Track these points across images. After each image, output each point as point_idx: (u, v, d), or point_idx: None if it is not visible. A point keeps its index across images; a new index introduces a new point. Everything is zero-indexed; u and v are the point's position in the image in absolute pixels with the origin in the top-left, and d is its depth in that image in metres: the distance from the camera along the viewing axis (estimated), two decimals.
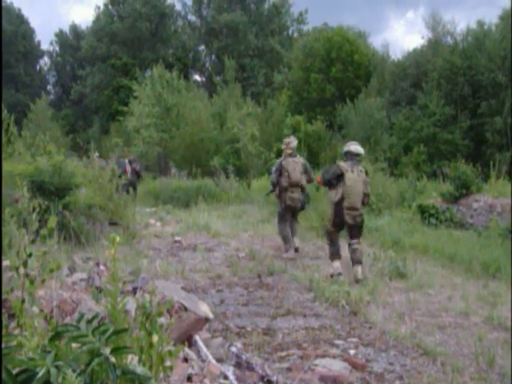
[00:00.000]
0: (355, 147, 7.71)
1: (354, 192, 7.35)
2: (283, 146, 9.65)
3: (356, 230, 7.60)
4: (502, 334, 5.33)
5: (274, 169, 9.56)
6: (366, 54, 33.91)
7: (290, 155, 9.39)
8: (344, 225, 7.60)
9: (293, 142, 9.52)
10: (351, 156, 7.65)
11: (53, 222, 2.65)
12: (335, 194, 7.51)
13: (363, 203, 7.57)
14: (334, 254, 7.70)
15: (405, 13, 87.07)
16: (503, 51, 24.84)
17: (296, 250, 9.25)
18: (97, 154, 13.43)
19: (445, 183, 14.81)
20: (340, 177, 7.45)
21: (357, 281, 7.21)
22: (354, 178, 7.41)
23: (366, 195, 7.55)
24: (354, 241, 7.53)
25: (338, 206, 7.47)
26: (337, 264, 7.60)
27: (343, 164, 7.54)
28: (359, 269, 7.34)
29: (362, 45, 35.06)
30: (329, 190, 7.77)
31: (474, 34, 28.23)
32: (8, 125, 9.98)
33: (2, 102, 9.29)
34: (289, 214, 9.47)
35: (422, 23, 77.87)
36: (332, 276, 7.42)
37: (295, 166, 9.28)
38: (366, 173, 7.82)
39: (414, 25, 79.29)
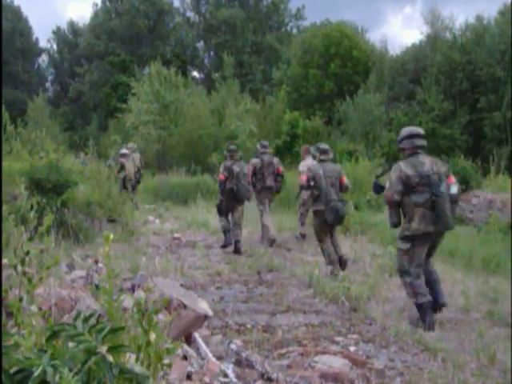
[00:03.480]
0: (125, 150, 14.76)
1: (130, 171, 14.25)
2: None
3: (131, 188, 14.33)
4: (502, 329, 5.31)
5: None
6: (364, 49, 33.85)
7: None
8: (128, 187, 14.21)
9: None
10: (124, 155, 14.45)
11: (49, 219, 2.62)
12: (122, 174, 14.01)
13: (136, 176, 14.52)
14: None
15: (402, 8, 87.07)
16: (503, 46, 24.79)
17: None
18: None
19: None
20: (123, 166, 14.16)
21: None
22: (130, 164, 14.30)
23: (138, 171, 14.71)
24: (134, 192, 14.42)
25: (124, 179, 13.99)
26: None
27: (123, 160, 14.33)
28: None
29: (361, 40, 35.00)
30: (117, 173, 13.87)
31: (473, 29, 28.17)
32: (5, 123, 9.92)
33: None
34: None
35: (419, 18, 77.95)
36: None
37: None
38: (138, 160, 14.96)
39: (412, 20, 79.12)
